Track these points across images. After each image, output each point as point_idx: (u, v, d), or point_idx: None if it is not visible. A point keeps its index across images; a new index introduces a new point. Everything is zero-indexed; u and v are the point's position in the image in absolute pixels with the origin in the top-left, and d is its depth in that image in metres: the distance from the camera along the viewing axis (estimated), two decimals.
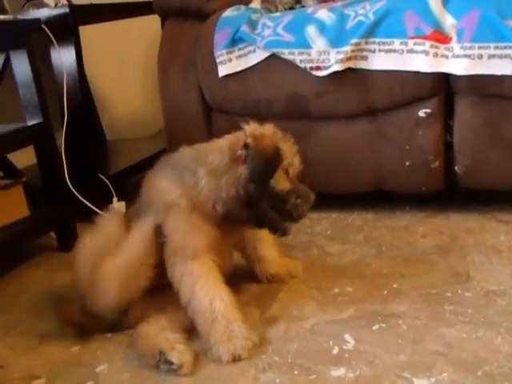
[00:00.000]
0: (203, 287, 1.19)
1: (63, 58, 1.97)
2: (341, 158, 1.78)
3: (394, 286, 1.38)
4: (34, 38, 1.76)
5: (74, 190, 1.83)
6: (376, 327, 1.21)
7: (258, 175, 1.20)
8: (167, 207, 1.23)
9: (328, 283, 1.43)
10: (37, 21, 1.70)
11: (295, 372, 1.10)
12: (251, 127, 1.25)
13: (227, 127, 1.78)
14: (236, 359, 1.13)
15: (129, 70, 3.13)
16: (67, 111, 1.89)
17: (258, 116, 1.79)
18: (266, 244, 1.44)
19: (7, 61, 1.74)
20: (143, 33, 3.05)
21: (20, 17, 1.74)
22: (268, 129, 1.26)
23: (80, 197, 1.84)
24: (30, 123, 1.74)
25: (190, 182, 1.24)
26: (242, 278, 1.50)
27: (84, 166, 2.06)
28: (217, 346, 1.14)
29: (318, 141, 1.79)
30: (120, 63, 3.06)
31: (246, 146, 1.20)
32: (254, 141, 1.21)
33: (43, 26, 1.75)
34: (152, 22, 2.64)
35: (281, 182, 1.24)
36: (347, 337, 1.19)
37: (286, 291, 1.41)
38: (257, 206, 1.22)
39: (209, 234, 1.24)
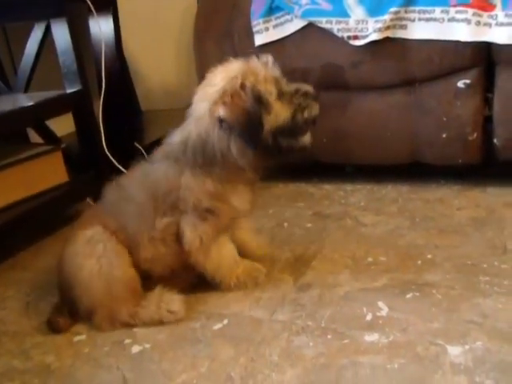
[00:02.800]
0: (227, 248, 1.30)
1: (101, 27, 1.99)
2: (376, 129, 1.77)
3: (429, 256, 1.38)
4: (74, 7, 1.79)
5: (111, 157, 1.87)
6: (410, 296, 1.22)
7: (246, 138, 1.16)
8: (209, 197, 1.21)
9: (362, 253, 1.44)
10: None
11: (328, 336, 1.11)
12: (222, 83, 1.17)
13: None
14: (258, 284, 1.32)
15: (164, 41, 3.14)
16: (105, 80, 1.91)
17: None
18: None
19: (48, 29, 1.77)
20: (177, 2, 3.05)
21: None
22: (239, 74, 1.17)
23: (117, 164, 1.87)
24: (69, 91, 1.77)
25: (207, 167, 1.21)
26: (275, 245, 1.52)
27: (120, 135, 2.09)
28: (241, 281, 1.31)
29: (354, 111, 1.77)
30: (155, 34, 3.07)
31: (221, 120, 1.15)
32: (227, 111, 1.14)
33: None
34: None
35: (277, 116, 1.18)
36: (381, 304, 1.20)
37: (320, 259, 1.43)
38: (267, 147, 1.20)
39: (246, 200, 1.27)
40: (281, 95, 1.20)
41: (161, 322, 1.22)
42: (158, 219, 1.24)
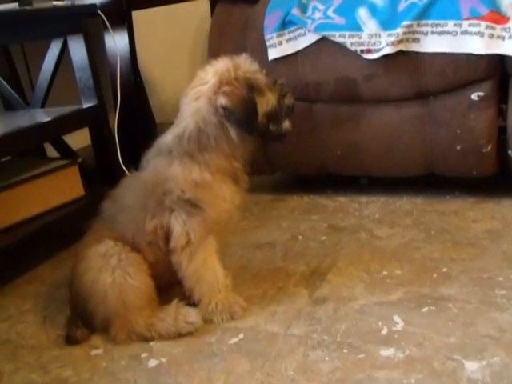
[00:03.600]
0: (213, 262, 1.28)
1: (117, 41, 2.01)
2: (390, 142, 1.77)
3: (444, 269, 1.37)
4: (90, 24, 1.82)
5: (126, 171, 1.88)
6: (425, 310, 1.22)
7: (245, 124, 1.21)
8: (195, 188, 1.22)
9: (377, 266, 1.44)
10: (93, 6, 1.74)
11: (344, 351, 1.12)
12: (215, 78, 1.22)
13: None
14: (234, 318, 1.28)
15: (177, 54, 3.18)
16: (120, 94, 1.93)
17: (307, 99, 1.82)
18: None
19: (64, 45, 1.80)
20: (191, 16, 3.08)
21: (77, 3, 1.78)
22: (230, 68, 1.23)
23: None
24: (85, 106, 1.79)
25: (198, 155, 1.22)
26: (289, 259, 1.53)
27: (135, 148, 2.11)
28: (219, 310, 1.27)
29: (368, 124, 1.78)
30: (168, 46, 3.11)
31: (223, 108, 1.20)
32: (228, 99, 1.19)
33: (98, 11, 1.79)
34: (199, 6, 2.68)
35: (267, 102, 1.26)
36: (396, 318, 1.20)
37: (335, 273, 1.43)
38: (260, 132, 1.26)
39: (234, 197, 1.26)
40: (265, 84, 1.28)
41: (179, 335, 1.23)
42: (147, 220, 1.24)
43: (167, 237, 1.25)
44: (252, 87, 1.23)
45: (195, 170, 1.21)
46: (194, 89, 1.25)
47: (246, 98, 1.21)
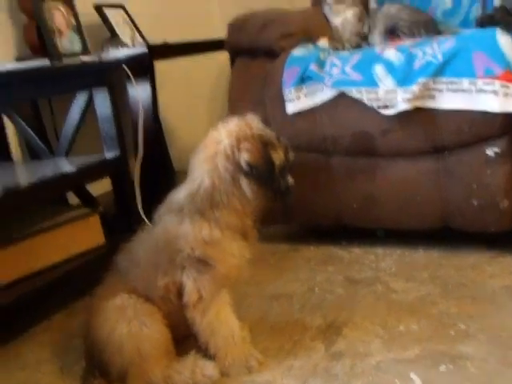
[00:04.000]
0: (226, 316, 1.29)
1: (139, 92, 2.07)
2: (406, 195, 1.79)
3: (462, 326, 1.37)
4: (114, 76, 1.88)
5: (146, 220, 1.92)
6: (443, 368, 1.21)
7: (266, 178, 1.25)
8: (204, 245, 1.24)
9: (393, 321, 1.43)
10: (118, 61, 1.81)
11: None
12: (231, 137, 1.25)
13: (294, 162, 1.85)
14: (250, 372, 1.28)
15: (196, 103, 3.25)
16: (142, 144, 1.98)
17: (324, 152, 1.86)
18: None
19: (90, 97, 1.86)
20: (209, 67, 3.17)
21: (103, 57, 1.85)
22: (243, 126, 1.27)
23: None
24: (108, 156, 1.84)
25: (209, 213, 1.24)
26: (306, 311, 1.53)
27: (155, 196, 2.15)
28: (236, 364, 1.27)
29: (384, 177, 1.80)
30: (187, 96, 3.18)
31: (247, 164, 1.23)
32: (250, 155, 1.23)
33: (124, 65, 1.86)
34: (218, 58, 2.75)
35: (278, 157, 1.28)
36: (413, 376, 1.19)
37: (351, 327, 1.43)
38: (274, 186, 1.28)
39: (244, 252, 1.28)
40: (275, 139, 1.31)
41: None
42: (159, 277, 1.26)
43: (180, 292, 1.27)
44: (266, 143, 1.27)
45: (205, 227, 1.23)
46: (208, 147, 1.28)
47: (263, 154, 1.25)
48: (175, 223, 1.26)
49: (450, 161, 1.71)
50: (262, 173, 1.24)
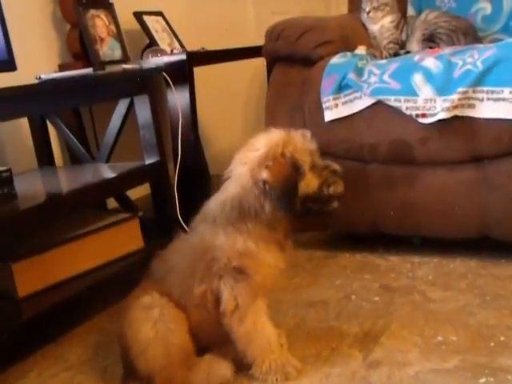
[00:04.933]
0: (263, 324, 1.29)
1: (178, 99, 2.11)
2: (444, 204, 1.78)
3: (502, 338, 1.36)
4: (155, 84, 1.93)
5: (183, 224, 1.95)
6: (483, 381, 1.20)
7: (283, 201, 1.23)
8: (240, 256, 1.24)
9: (431, 330, 1.43)
10: (159, 68, 1.85)
11: None
12: (265, 148, 1.24)
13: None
14: (288, 379, 1.29)
15: (231, 108, 3.28)
16: (181, 149, 2.02)
17: (362, 159, 1.86)
18: None
19: (131, 104, 1.91)
20: (246, 72, 3.20)
21: (144, 64, 1.90)
22: (280, 142, 1.25)
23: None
24: (148, 162, 1.88)
25: (240, 224, 1.24)
26: (343, 319, 1.54)
27: (192, 200, 2.18)
28: (273, 370, 1.28)
29: (422, 186, 1.80)
30: (223, 101, 3.22)
31: (264, 183, 1.22)
32: (270, 174, 1.22)
33: (164, 73, 1.90)
34: (255, 63, 2.78)
35: (308, 185, 1.25)
36: None
37: (389, 336, 1.43)
38: (296, 210, 1.26)
39: (279, 262, 1.28)
40: (313, 167, 1.27)
41: None
42: (196, 284, 1.27)
43: (217, 300, 1.28)
44: (296, 167, 1.24)
45: (239, 240, 1.24)
46: (243, 155, 1.28)
47: (287, 176, 1.23)
48: (211, 233, 1.27)
49: (489, 170, 1.70)
50: (279, 195, 1.22)
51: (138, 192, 2.40)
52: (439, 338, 1.39)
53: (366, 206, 1.90)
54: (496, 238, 1.76)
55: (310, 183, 1.26)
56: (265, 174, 1.22)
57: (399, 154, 1.79)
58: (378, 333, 1.45)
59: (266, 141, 1.27)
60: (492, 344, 1.34)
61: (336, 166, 1.30)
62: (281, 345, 1.34)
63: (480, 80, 1.63)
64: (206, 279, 1.27)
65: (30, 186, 1.84)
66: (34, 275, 1.62)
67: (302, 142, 1.27)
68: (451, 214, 1.77)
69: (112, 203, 2.35)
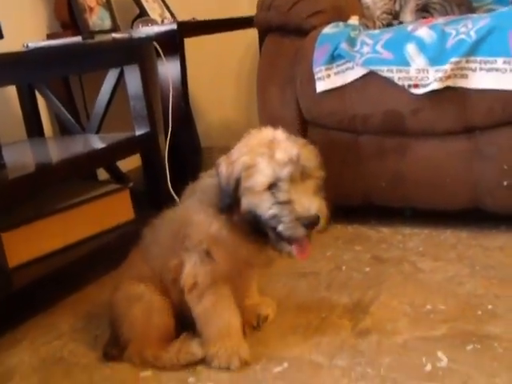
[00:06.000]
0: (223, 308, 1.27)
1: (169, 69, 2.09)
2: (435, 175, 1.78)
3: (489, 307, 1.37)
4: (145, 54, 1.90)
5: (174, 195, 1.95)
6: (470, 347, 1.22)
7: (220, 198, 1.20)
8: (211, 241, 1.23)
9: (420, 300, 1.44)
10: (149, 38, 1.82)
11: None
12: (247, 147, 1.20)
13: (323, 141, 1.86)
14: (230, 368, 1.24)
15: (223, 80, 3.25)
16: (171, 120, 2.01)
17: (354, 131, 1.85)
18: None
19: (121, 75, 1.88)
20: (238, 44, 3.16)
21: (134, 34, 1.87)
22: (251, 152, 1.17)
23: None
24: (138, 133, 1.87)
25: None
26: (333, 289, 1.55)
27: (182, 172, 2.18)
28: (218, 356, 1.25)
29: (413, 157, 1.80)
30: (214, 73, 3.19)
31: (217, 173, 1.21)
32: (220, 170, 1.20)
33: (154, 42, 1.87)
34: (247, 35, 2.75)
35: (257, 205, 1.16)
36: (440, 354, 1.20)
37: (378, 305, 1.44)
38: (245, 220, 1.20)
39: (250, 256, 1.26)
40: (273, 186, 1.14)
41: (181, 366, 1.26)
42: (171, 257, 1.28)
43: None
44: (238, 181, 1.17)
45: (214, 223, 1.22)
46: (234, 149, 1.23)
47: (227, 181, 1.18)
48: (193, 210, 1.26)
49: (480, 141, 1.70)
50: (220, 191, 1.20)
51: (130, 164, 2.39)
52: (428, 307, 1.40)
53: (357, 177, 1.90)
54: (487, 210, 1.77)
55: (258, 204, 1.16)
56: (220, 167, 1.20)
57: (391, 125, 1.78)
58: (367, 303, 1.46)
59: (256, 141, 1.20)
60: (480, 312, 1.35)
61: (311, 211, 1.15)
62: (238, 333, 1.30)
63: (473, 50, 1.61)
64: (180, 252, 1.27)
65: (20, 157, 1.82)
66: (24, 245, 1.62)
67: (281, 159, 1.15)
68: (442, 186, 1.78)
69: (103, 175, 2.34)
